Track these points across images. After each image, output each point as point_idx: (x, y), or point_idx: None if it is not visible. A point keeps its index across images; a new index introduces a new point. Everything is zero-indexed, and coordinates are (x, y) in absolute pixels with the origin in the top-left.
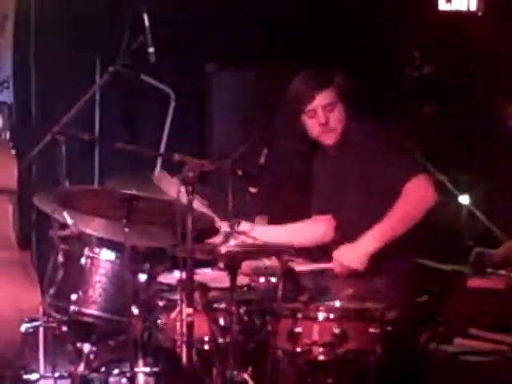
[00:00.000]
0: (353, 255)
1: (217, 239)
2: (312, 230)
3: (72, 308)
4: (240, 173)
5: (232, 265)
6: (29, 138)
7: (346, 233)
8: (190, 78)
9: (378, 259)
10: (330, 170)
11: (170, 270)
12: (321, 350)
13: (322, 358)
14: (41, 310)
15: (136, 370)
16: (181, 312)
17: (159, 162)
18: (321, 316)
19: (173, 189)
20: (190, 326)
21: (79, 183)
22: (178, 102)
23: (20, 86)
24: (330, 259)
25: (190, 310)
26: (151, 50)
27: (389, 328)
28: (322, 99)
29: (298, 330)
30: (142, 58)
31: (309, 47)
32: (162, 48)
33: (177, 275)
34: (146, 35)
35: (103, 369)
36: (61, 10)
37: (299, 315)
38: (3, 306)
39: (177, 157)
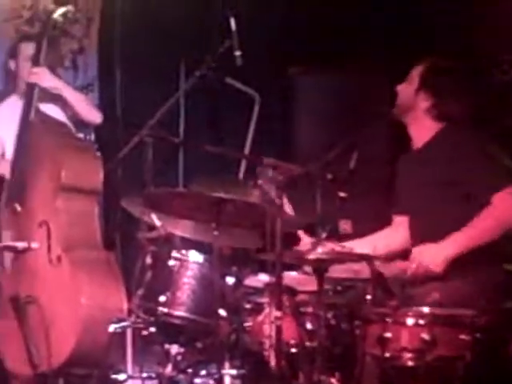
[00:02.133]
0: (432, 256)
1: (304, 246)
2: (393, 236)
3: (160, 309)
4: (330, 177)
5: (320, 269)
6: (113, 140)
7: (423, 234)
8: (275, 81)
9: (463, 264)
10: (414, 171)
11: (255, 272)
12: (410, 355)
13: (410, 363)
14: (126, 310)
15: (223, 372)
16: (269, 315)
17: (243, 165)
18: (410, 321)
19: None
20: (279, 329)
21: (163, 186)
22: (263, 104)
23: (105, 88)
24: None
25: (278, 314)
26: (238, 53)
27: (478, 335)
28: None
29: (388, 335)
30: (226, 60)
31: (392, 51)
32: (247, 50)
33: (262, 278)
34: (233, 39)
35: (190, 370)
36: (146, 13)
37: (388, 320)
38: (90, 305)
39: (267, 161)
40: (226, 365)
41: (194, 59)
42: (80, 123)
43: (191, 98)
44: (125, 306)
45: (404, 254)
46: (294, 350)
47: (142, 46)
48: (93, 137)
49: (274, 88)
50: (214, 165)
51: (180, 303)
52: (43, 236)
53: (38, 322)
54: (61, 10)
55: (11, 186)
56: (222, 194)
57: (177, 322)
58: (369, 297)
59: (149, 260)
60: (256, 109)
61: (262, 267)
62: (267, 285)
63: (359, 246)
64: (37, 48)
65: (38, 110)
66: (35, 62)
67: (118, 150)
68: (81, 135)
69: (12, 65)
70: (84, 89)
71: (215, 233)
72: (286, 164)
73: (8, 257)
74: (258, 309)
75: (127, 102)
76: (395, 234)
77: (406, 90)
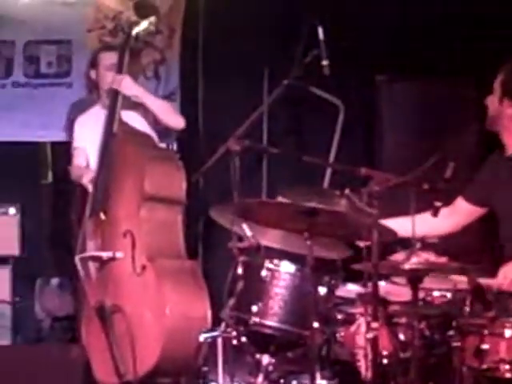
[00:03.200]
0: None
1: (399, 256)
2: (448, 218)
3: (252, 319)
4: (426, 187)
5: (414, 279)
6: (195, 149)
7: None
8: (359, 90)
9: None
10: (500, 169)
11: (343, 282)
12: (507, 367)
13: (508, 375)
14: (210, 319)
15: (317, 382)
16: (364, 326)
17: (328, 174)
18: (508, 333)
19: None
20: (375, 340)
21: (247, 195)
22: (347, 113)
23: (187, 97)
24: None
25: (375, 325)
26: (325, 62)
27: None
28: None
29: (485, 346)
30: (310, 68)
31: (477, 58)
32: (332, 59)
33: (351, 288)
34: (321, 48)
35: (281, 381)
36: (229, 23)
37: (486, 332)
38: (175, 314)
39: (363, 171)
40: (317, 375)
41: (278, 67)
42: (162, 131)
43: (274, 105)
44: (209, 315)
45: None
46: (386, 361)
47: (224, 56)
48: (175, 146)
49: (358, 96)
50: (296, 174)
51: (272, 313)
52: (128, 245)
53: (124, 331)
54: (144, 23)
55: (95, 196)
56: (315, 204)
57: (268, 331)
58: (467, 308)
59: (240, 270)
60: (340, 118)
61: (349, 277)
62: (360, 295)
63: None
64: (119, 58)
65: (121, 121)
66: (118, 70)
67: (199, 159)
68: (163, 145)
69: (93, 74)
70: (166, 98)
71: (308, 242)
72: (383, 174)
73: (92, 266)
74: (349, 319)
75: (209, 112)
76: (451, 216)
77: (492, 101)
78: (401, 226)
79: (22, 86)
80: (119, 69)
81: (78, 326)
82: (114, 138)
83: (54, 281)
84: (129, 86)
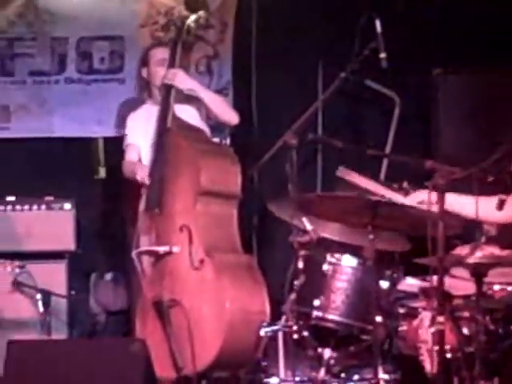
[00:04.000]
0: None
1: (462, 250)
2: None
3: (314, 313)
4: (491, 179)
5: (478, 273)
6: (249, 144)
7: None
8: (416, 83)
9: None
10: None
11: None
12: None
13: None
14: (269, 312)
15: (380, 376)
16: (428, 320)
17: (384, 167)
18: None
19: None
20: (440, 334)
21: (301, 189)
22: (403, 107)
23: (240, 92)
24: None
25: (441, 319)
26: (383, 55)
27: None
28: None
29: None
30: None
31: None
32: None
33: (410, 282)
34: (378, 41)
35: (343, 375)
36: (282, 16)
37: None
38: (234, 309)
39: (428, 164)
40: (380, 369)
41: (332, 60)
42: (215, 126)
43: (330, 99)
44: (267, 309)
45: None
46: (449, 356)
47: (278, 49)
48: (228, 141)
49: (415, 90)
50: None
51: (334, 307)
52: (184, 240)
53: (182, 325)
54: (194, 16)
55: (150, 191)
56: (379, 198)
57: (330, 325)
58: None
59: (301, 264)
60: (396, 111)
61: (409, 271)
62: (423, 289)
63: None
64: (172, 52)
65: (174, 116)
66: (171, 65)
67: (252, 153)
68: (216, 139)
69: (144, 73)
70: (218, 93)
71: (371, 236)
72: (448, 167)
73: (146, 261)
74: (412, 313)
75: (262, 106)
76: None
77: None
78: (462, 205)
79: (75, 82)
80: (171, 63)
81: (132, 321)
82: (167, 132)
83: (108, 275)
84: (183, 80)
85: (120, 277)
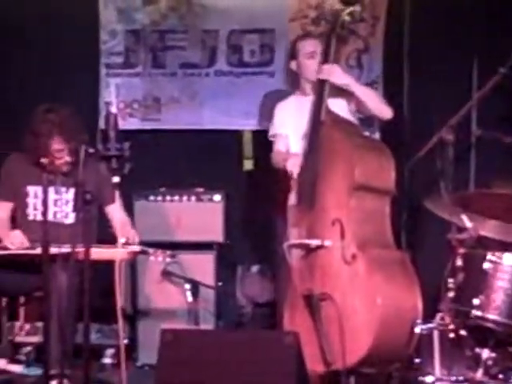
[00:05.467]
0: None
1: None
2: None
3: (473, 312)
4: None
5: None
6: (399, 139)
7: None
8: None
9: None
10: None
11: None
12: None
13: None
14: (421, 309)
15: None
16: None
17: None
18: None
19: None
20: None
21: (453, 185)
22: None
23: (390, 87)
24: None
25: None
26: None
27: None
28: None
29: None
30: None
31: None
32: None
33: None
34: None
35: (501, 376)
36: (435, 9)
37: None
38: (386, 305)
39: None
40: None
41: (487, 55)
42: (364, 120)
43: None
44: (420, 306)
45: None
46: None
47: (431, 43)
48: (377, 135)
49: None
50: (504, 165)
51: (494, 307)
52: (336, 234)
53: (332, 319)
54: (348, 10)
55: (302, 185)
56: None
57: (490, 325)
58: None
59: (459, 262)
60: None
61: None
62: None
63: None
64: (326, 46)
65: (328, 109)
66: (325, 59)
67: (403, 149)
68: (366, 133)
69: (293, 65)
70: (368, 87)
71: None
72: None
73: (296, 254)
74: None
75: (414, 100)
76: None
77: None
78: None
79: (224, 74)
80: (325, 57)
81: (278, 313)
82: (321, 125)
83: (255, 268)
84: (339, 75)
85: (266, 269)
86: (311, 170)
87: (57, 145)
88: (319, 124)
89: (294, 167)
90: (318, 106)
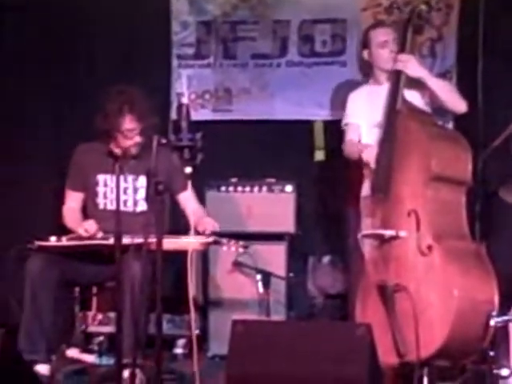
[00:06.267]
0: None
1: None
2: None
3: None
4: None
5: None
6: (473, 129)
7: None
8: None
9: None
10: None
11: None
12: None
13: None
14: (497, 302)
15: None
16: None
17: None
18: None
19: None
20: None
21: None
22: None
23: (464, 75)
24: None
25: None
26: None
27: None
28: None
29: None
30: None
31: None
32: None
33: None
34: None
35: None
36: None
37: None
38: (462, 297)
39: None
40: None
41: None
42: (438, 111)
43: None
44: (496, 298)
45: None
46: None
47: (506, 32)
48: (451, 124)
49: None
50: None
51: None
52: (412, 225)
53: (406, 311)
54: None
55: (377, 175)
56: None
57: None
58: None
59: None
60: None
61: None
62: None
63: None
64: (403, 36)
65: (404, 99)
66: (401, 49)
67: (476, 139)
68: (440, 123)
69: (365, 55)
70: (441, 76)
71: None
72: None
73: (369, 244)
74: None
75: (488, 91)
76: None
77: None
78: None
79: (296, 65)
80: (402, 46)
81: (350, 305)
82: (397, 115)
83: (326, 258)
84: (414, 68)
85: (337, 260)
86: (386, 159)
87: (128, 124)
88: (395, 113)
89: (370, 158)
90: (394, 95)
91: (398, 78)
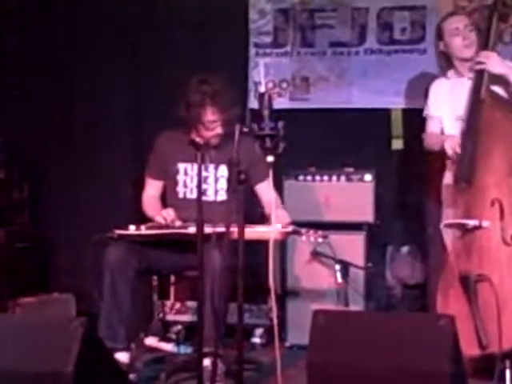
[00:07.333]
0: None
1: None
2: None
3: None
4: None
5: None
6: None
7: None
8: None
9: None
10: None
11: None
12: None
13: None
14: None
15: None
16: None
17: None
18: None
19: None
20: None
21: None
22: None
23: None
24: None
25: None
26: None
27: None
28: None
29: None
30: None
31: None
32: None
33: None
34: None
35: None
36: None
37: None
38: None
39: None
40: None
41: None
42: None
43: None
44: None
45: None
46: None
47: None
48: None
49: None
50: None
51: None
52: (495, 215)
53: (489, 301)
54: None
55: (461, 164)
56: None
57: None
58: None
59: None
60: None
61: None
62: None
63: None
64: (487, 28)
65: (488, 88)
66: (486, 39)
67: None
68: None
69: (441, 46)
70: None
71: None
72: None
73: (451, 234)
74: None
75: None
76: None
77: None
78: None
79: (374, 53)
80: (486, 39)
81: (429, 295)
82: (481, 104)
83: (404, 248)
84: (496, 65)
85: (416, 250)
86: (470, 148)
87: (210, 116)
88: (479, 102)
89: (453, 148)
90: (478, 84)
91: (480, 76)
